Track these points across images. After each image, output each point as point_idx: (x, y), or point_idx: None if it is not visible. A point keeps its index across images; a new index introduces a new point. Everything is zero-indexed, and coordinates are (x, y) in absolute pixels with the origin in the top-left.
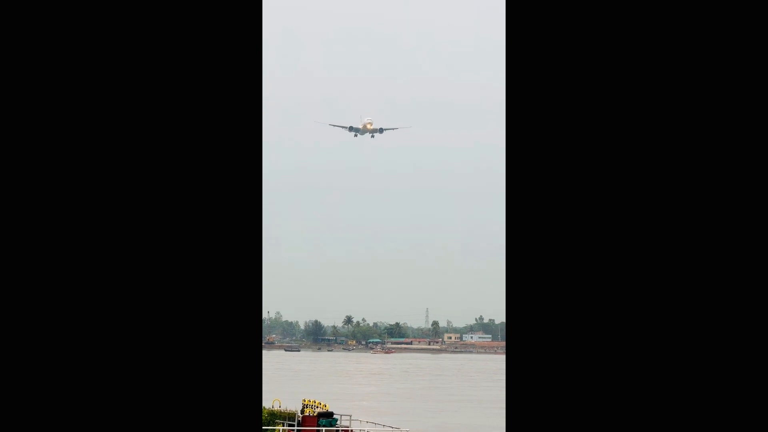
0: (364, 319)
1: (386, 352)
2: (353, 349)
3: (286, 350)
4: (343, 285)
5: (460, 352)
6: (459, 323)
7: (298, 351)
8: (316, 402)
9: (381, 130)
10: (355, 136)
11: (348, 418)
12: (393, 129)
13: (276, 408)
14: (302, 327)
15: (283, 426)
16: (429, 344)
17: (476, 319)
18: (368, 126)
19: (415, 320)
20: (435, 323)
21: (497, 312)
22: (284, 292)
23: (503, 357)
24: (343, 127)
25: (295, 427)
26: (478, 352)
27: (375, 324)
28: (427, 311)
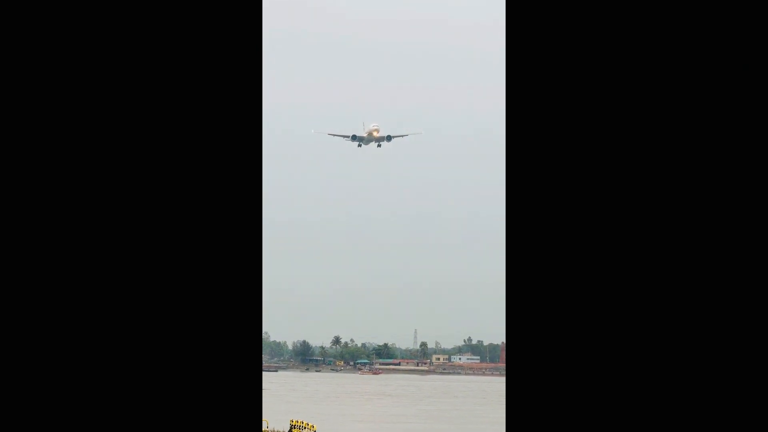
0: (352, 340)
1: (374, 373)
2: (341, 369)
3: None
4: (332, 305)
5: (449, 373)
6: (447, 344)
7: (276, 371)
8: (304, 423)
9: (389, 138)
10: (359, 146)
11: None
12: (402, 136)
13: (263, 429)
14: (290, 347)
15: None
16: (417, 365)
17: (464, 341)
18: (374, 133)
19: (404, 341)
20: (423, 344)
21: (486, 333)
22: (272, 313)
23: (495, 378)
24: (344, 136)
25: None
26: (466, 374)
27: (363, 345)
28: (415, 332)
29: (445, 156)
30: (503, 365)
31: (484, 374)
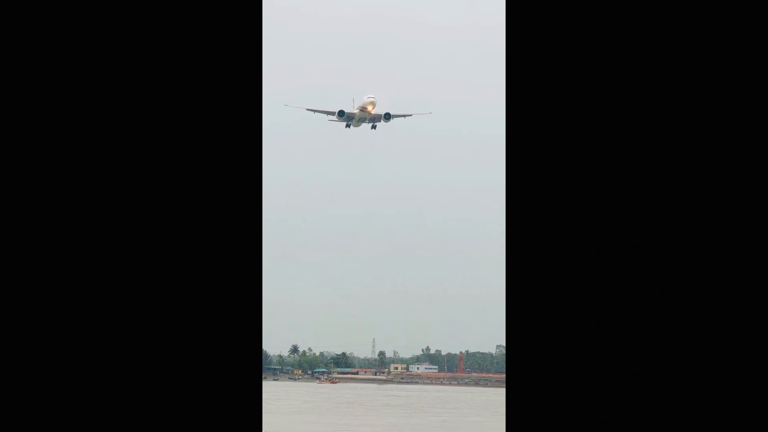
0: (310, 349)
1: (332, 382)
2: (299, 378)
3: None
4: (290, 314)
5: (407, 382)
6: (405, 354)
7: None
8: None
9: (387, 117)
10: (347, 126)
11: None
12: (405, 116)
13: None
14: None
15: None
16: (375, 374)
17: (423, 350)
18: (369, 108)
19: (362, 350)
20: (382, 353)
21: (444, 343)
22: None
23: (459, 388)
24: (328, 112)
25: None
26: (424, 383)
27: (321, 353)
28: (373, 341)
29: (432, 151)
30: (461, 375)
31: (442, 383)
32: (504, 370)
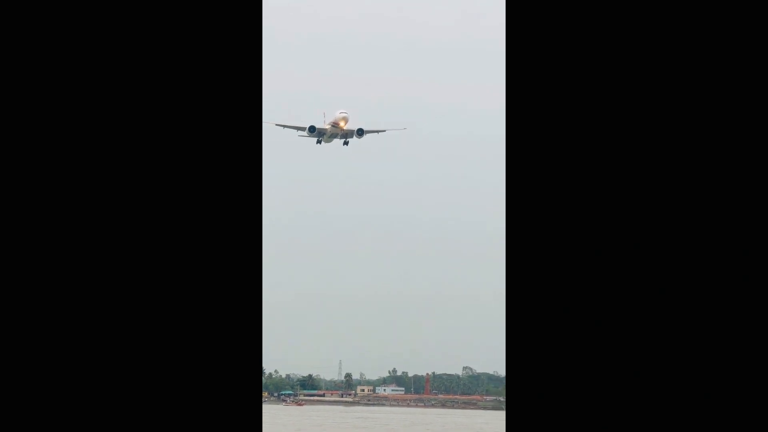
0: (276, 371)
1: (298, 404)
2: (266, 401)
3: None
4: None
5: (373, 404)
6: (372, 375)
7: None
8: None
9: (360, 132)
10: (318, 142)
11: None
12: (379, 132)
13: None
14: None
15: None
16: (342, 396)
17: (389, 372)
18: (341, 124)
19: (329, 372)
20: (348, 375)
21: (410, 365)
22: None
23: (425, 410)
24: (298, 128)
25: None
26: (391, 405)
27: (288, 376)
28: (340, 363)
29: (416, 155)
30: (428, 396)
31: (408, 405)
32: (469, 392)
